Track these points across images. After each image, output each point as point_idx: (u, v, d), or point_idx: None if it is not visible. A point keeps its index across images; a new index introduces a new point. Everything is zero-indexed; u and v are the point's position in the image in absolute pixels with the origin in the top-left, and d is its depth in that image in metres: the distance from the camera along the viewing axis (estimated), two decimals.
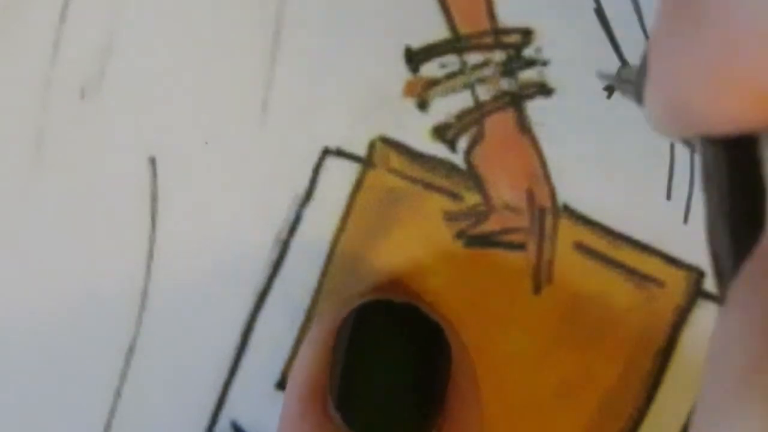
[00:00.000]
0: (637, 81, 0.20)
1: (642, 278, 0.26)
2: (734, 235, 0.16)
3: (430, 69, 0.26)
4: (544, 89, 0.26)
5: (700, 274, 0.26)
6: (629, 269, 0.26)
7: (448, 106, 0.26)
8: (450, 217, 0.27)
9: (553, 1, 0.26)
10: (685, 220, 0.26)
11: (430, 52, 0.26)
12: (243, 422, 0.27)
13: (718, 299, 0.26)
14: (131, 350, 0.27)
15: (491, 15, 0.26)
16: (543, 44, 0.26)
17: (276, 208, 0.27)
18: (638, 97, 0.20)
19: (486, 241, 0.27)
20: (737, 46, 0.14)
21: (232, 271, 0.27)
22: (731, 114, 0.15)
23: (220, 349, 0.27)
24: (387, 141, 0.27)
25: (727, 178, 0.17)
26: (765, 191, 0.16)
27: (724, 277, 0.17)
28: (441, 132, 0.27)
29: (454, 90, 0.26)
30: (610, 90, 0.26)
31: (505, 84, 0.26)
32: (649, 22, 0.26)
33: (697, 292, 0.26)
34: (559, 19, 0.26)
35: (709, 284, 0.26)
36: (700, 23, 0.15)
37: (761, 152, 0.16)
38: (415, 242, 0.27)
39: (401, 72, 0.26)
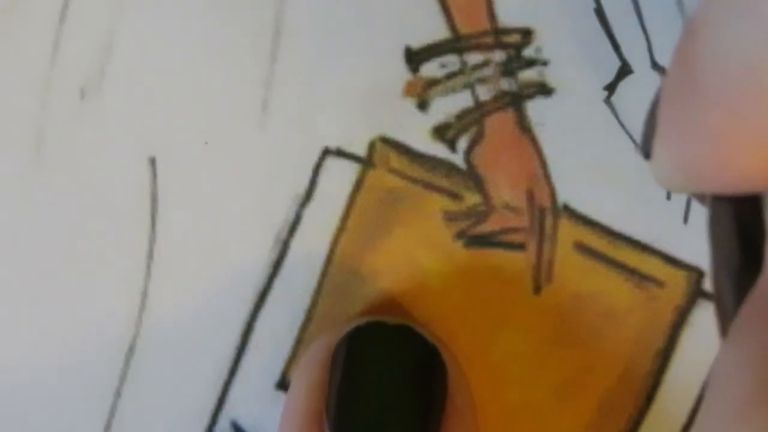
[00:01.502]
0: (645, 136, 0.20)
1: (642, 278, 0.26)
2: (736, 277, 0.17)
3: (430, 69, 0.26)
4: (544, 89, 0.26)
5: (700, 274, 0.26)
6: (629, 269, 0.26)
7: (448, 106, 0.26)
8: (450, 217, 0.27)
9: (553, 1, 0.26)
10: (685, 220, 0.26)
11: (430, 52, 0.26)
12: (243, 422, 0.27)
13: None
14: (131, 350, 0.27)
15: (491, 15, 0.26)
16: (543, 44, 0.26)
17: (276, 208, 0.27)
18: (645, 153, 0.20)
19: (486, 241, 0.27)
20: (737, 115, 0.14)
21: (232, 271, 0.27)
22: (739, 178, 0.15)
23: (220, 349, 0.27)
24: (387, 141, 0.27)
25: (734, 228, 0.17)
26: (766, 235, 0.16)
27: (726, 316, 0.17)
28: (441, 132, 0.27)
29: (454, 90, 0.26)
30: (610, 89, 0.26)
31: (505, 84, 0.26)
32: (649, 22, 0.26)
33: (697, 292, 0.26)
34: (559, 19, 0.26)
35: (709, 284, 0.26)
36: (701, 91, 0.15)
37: (764, 198, 0.17)
38: (415, 242, 0.27)
39: (401, 72, 0.26)
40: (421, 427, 0.24)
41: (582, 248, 0.26)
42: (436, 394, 0.24)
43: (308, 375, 0.25)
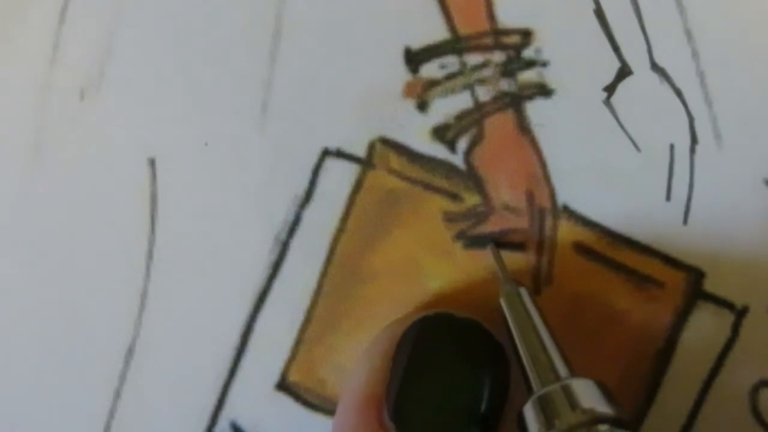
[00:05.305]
0: None
1: (642, 279, 0.26)
2: None
3: (430, 70, 0.26)
4: (543, 90, 0.26)
5: (700, 275, 0.26)
6: (629, 270, 0.26)
7: (447, 106, 0.26)
8: (450, 218, 0.27)
9: (553, 1, 0.26)
10: (685, 221, 0.26)
11: (429, 52, 0.26)
12: (243, 423, 0.28)
13: (718, 300, 0.26)
14: (131, 351, 0.27)
15: (491, 16, 0.26)
16: (543, 45, 0.26)
17: (275, 208, 0.27)
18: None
19: (486, 241, 0.27)
20: None
21: (232, 271, 0.27)
22: None
23: (220, 349, 0.27)
24: (387, 142, 0.27)
25: None
26: None
27: None
28: (441, 133, 0.27)
29: (453, 91, 0.26)
30: (609, 91, 0.26)
31: (504, 85, 0.26)
32: (649, 22, 0.26)
33: (697, 293, 0.26)
34: (559, 20, 0.26)
35: (709, 285, 0.26)
36: None
37: None
38: (415, 243, 0.27)
39: (401, 72, 0.26)
40: (479, 422, 0.24)
41: (582, 249, 0.26)
42: (498, 391, 0.24)
43: (371, 361, 0.25)
